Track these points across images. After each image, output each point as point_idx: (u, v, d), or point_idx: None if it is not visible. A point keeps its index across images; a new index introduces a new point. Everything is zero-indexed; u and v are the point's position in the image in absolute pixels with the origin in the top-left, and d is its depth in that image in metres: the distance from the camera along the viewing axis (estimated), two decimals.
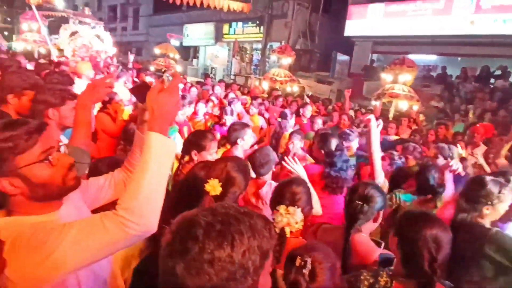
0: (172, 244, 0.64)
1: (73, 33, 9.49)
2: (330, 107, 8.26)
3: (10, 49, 10.90)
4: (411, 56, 8.35)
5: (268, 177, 2.34)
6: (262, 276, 0.67)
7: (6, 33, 10.04)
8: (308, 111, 5.27)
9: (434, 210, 2.29)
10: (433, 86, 10.72)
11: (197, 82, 9.00)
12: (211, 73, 18.98)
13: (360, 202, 1.57)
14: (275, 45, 13.43)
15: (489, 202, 1.69)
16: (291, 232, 1.41)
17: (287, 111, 4.61)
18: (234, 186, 1.38)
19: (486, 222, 1.73)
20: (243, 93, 7.92)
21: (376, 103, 6.93)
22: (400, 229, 1.31)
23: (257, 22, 15.72)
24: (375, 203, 1.59)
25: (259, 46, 16.46)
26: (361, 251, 1.49)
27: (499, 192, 1.70)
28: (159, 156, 0.91)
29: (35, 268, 0.80)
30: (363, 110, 7.80)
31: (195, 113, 4.54)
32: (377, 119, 2.31)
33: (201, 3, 11.70)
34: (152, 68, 10.34)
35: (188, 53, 20.85)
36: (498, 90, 9.18)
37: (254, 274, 0.64)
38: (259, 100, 6.62)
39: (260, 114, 5.58)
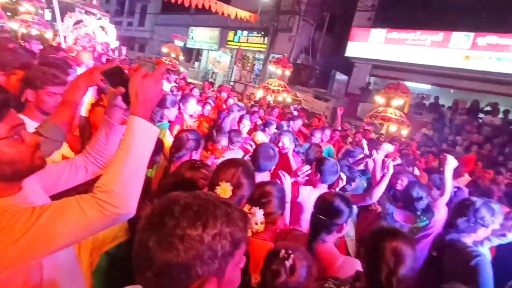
0: (150, 218, 0.67)
1: (78, 22, 9.57)
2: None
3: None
4: (406, 83, 8.60)
5: (264, 175, 2.30)
6: (232, 268, 0.68)
7: (9, 13, 9.60)
8: (297, 124, 5.39)
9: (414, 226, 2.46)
10: (425, 114, 11.01)
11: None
12: (211, 77, 19.12)
13: (323, 217, 1.60)
14: (277, 56, 13.65)
15: (485, 224, 1.81)
16: (258, 233, 1.46)
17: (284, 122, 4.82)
18: (242, 191, 1.37)
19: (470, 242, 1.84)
20: (239, 100, 8.05)
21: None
22: (365, 240, 1.33)
23: (262, 32, 15.99)
24: (340, 217, 1.60)
25: (262, 56, 16.71)
26: (324, 260, 1.53)
27: (493, 216, 1.82)
28: (141, 140, 0.90)
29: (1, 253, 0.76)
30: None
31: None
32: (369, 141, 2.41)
33: (209, 7, 11.90)
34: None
35: (191, 55, 21.00)
36: (486, 125, 9.48)
37: (222, 259, 0.65)
38: (255, 109, 6.75)
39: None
